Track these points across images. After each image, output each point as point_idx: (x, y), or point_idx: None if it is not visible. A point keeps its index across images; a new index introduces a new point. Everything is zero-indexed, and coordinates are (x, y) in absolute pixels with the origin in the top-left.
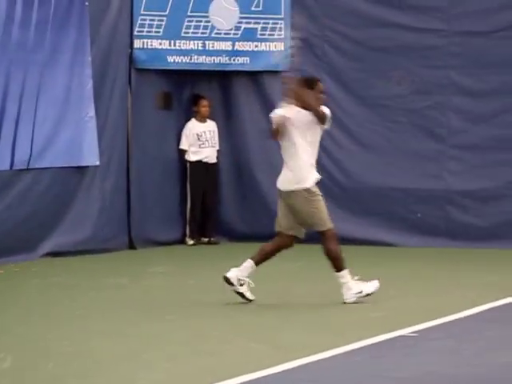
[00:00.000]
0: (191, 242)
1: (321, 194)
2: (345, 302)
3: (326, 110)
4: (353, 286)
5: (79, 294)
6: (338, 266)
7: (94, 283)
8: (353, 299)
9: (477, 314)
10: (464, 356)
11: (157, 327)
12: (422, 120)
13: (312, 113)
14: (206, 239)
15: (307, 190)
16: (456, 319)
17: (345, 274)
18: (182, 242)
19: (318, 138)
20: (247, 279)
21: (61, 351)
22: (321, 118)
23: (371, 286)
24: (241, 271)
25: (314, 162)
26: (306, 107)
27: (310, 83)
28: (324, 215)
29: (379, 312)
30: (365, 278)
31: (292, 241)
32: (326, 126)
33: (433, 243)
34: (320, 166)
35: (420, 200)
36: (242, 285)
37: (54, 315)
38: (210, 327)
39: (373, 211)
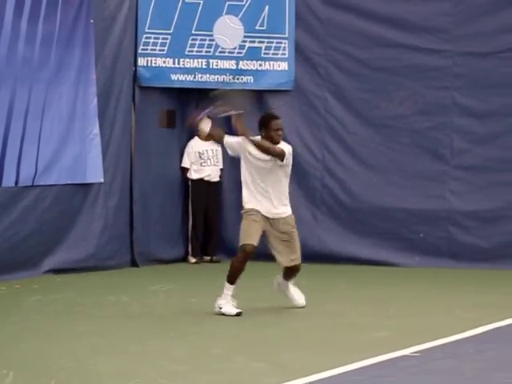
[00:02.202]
0: (193, 260)
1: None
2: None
3: (284, 147)
4: (224, 300)
5: (81, 311)
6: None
7: (95, 300)
8: (216, 309)
9: (478, 334)
10: (465, 376)
11: (158, 345)
12: (425, 141)
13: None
14: (208, 257)
15: None
16: (457, 339)
17: (229, 288)
18: (185, 260)
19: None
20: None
21: (62, 368)
22: (279, 156)
23: (231, 310)
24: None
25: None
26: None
27: (263, 122)
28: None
29: (381, 332)
30: (366, 298)
31: None
32: (284, 162)
33: (435, 263)
34: (323, 186)
35: (423, 220)
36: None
37: (55, 332)
38: (211, 345)
39: (375, 231)
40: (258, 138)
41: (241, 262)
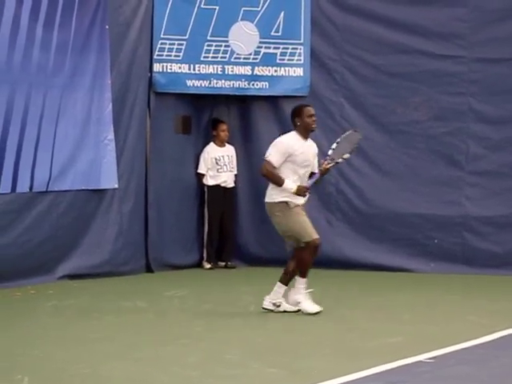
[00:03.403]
0: (208, 265)
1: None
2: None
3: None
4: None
5: (95, 316)
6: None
7: (110, 306)
8: (292, 308)
9: (493, 340)
10: (480, 382)
11: (172, 350)
12: (440, 146)
13: None
14: (223, 263)
15: None
16: (472, 346)
17: (302, 282)
18: (199, 265)
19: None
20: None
21: (76, 373)
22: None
23: (312, 307)
24: (273, 295)
25: None
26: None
27: (296, 112)
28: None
29: (396, 338)
30: (380, 304)
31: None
32: None
33: (450, 269)
34: (338, 191)
35: (438, 226)
36: (279, 306)
37: (69, 338)
38: (225, 351)
39: (390, 237)
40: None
41: (310, 256)
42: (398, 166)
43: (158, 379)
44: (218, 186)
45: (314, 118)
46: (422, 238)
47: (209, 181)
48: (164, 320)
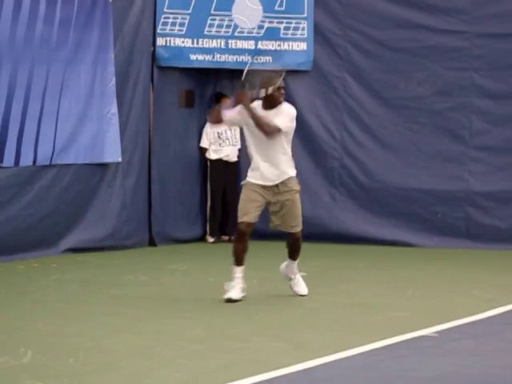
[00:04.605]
0: (211, 239)
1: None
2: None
3: (285, 116)
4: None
5: (99, 290)
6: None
7: (113, 280)
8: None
9: (497, 315)
10: (483, 357)
11: (176, 324)
12: (444, 121)
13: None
14: (227, 237)
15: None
16: (476, 320)
17: (235, 271)
18: (203, 239)
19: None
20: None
21: (80, 347)
22: (273, 135)
23: (233, 293)
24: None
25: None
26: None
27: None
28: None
29: (400, 312)
30: (384, 278)
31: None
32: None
33: (453, 244)
34: (342, 166)
35: (441, 201)
36: (292, 279)
37: (73, 311)
38: (229, 325)
39: (394, 211)
40: (256, 104)
41: (237, 242)
42: (401, 141)
43: (161, 353)
44: (220, 160)
45: (282, 91)
46: (426, 212)
47: (211, 155)
48: (167, 294)
